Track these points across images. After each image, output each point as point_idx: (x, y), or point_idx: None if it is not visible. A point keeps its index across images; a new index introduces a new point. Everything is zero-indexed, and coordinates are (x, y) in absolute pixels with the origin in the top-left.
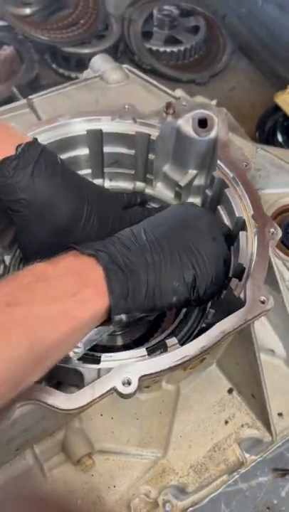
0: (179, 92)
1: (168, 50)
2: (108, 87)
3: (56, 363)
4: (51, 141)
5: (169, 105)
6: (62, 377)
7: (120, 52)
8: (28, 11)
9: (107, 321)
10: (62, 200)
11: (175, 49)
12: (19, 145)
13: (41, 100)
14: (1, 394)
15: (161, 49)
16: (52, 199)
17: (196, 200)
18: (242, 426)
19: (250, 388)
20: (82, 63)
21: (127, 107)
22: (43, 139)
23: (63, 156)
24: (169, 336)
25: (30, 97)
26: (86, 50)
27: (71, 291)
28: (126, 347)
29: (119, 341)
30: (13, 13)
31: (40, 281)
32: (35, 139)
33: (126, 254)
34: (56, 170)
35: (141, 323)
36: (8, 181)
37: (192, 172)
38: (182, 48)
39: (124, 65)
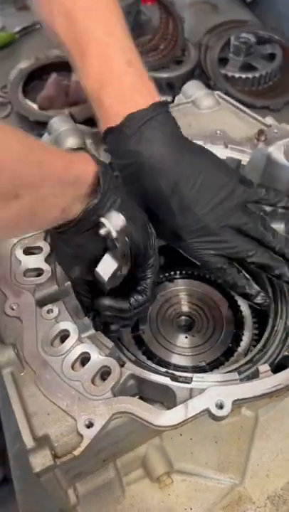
0: (269, 120)
1: (243, 76)
2: (200, 112)
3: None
4: None
5: (261, 132)
6: (149, 392)
7: (196, 77)
8: None
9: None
10: (170, 164)
11: (250, 75)
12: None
13: None
14: None
15: (237, 75)
16: (159, 164)
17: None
18: None
19: None
20: (160, 87)
21: (218, 132)
22: None
23: None
24: (250, 362)
25: None
26: (164, 75)
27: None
28: (197, 368)
29: (190, 362)
30: None
31: None
32: (165, 101)
33: None
34: (166, 137)
35: (216, 346)
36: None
37: None
38: (257, 75)
39: (216, 92)
